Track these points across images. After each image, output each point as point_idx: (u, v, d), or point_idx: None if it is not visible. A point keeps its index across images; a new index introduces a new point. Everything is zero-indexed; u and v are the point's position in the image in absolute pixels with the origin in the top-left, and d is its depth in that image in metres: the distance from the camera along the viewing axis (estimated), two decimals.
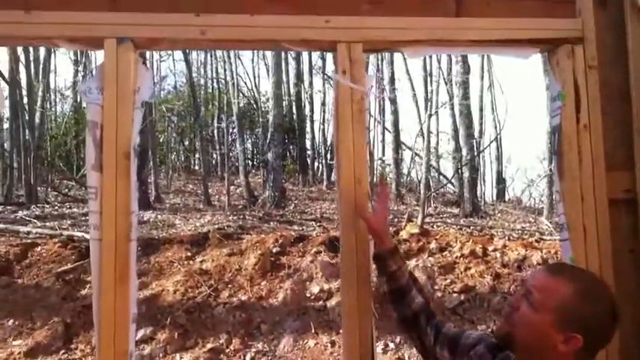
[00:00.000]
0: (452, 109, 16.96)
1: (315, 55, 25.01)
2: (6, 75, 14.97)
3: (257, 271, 8.56)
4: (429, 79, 18.97)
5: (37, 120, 16.77)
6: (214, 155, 25.92)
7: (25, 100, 16.06)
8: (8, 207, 13.72)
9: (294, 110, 24.80)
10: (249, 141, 27.56)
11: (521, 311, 1.64)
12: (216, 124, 23.49)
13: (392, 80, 20.03)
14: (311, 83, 26.01)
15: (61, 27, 2.20)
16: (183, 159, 28.08)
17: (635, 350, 2.29)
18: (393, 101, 20.03)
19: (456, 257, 8.99)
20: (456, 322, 7.34)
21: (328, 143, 22.99)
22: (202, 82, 26.33)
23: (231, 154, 22.80)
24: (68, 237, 9.85)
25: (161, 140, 25.18)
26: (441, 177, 21.52)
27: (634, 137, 2.42)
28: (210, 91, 26.22)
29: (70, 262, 8.70)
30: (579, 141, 2.39)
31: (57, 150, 20.76)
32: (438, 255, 9.13)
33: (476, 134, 19.42)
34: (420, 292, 2.18)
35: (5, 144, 17.97)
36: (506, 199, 22.10)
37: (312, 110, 26.32)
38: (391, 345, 7.08)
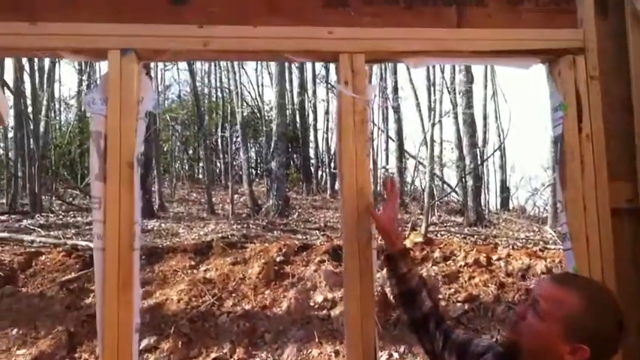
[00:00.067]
0: (455, 117, 16.96)
1: (319, 64, 25.06)
2: (11, 84, 15.05)
3: (261, 280, 8.55)
4: (432, 88, 18.98)
5: (41, 129, 16.81)
6: (218, 164, 25.97)
7: (30, 109, 16.13)
8: (13, 216, 13.76)
9: (298, 119, 24.83)
10: (253, 150, 27.62)
11: (527, 320, 1.64)
12: (220, 133, 23.57)
13: (395, 89, 20.07)
14: (314, 92, 26.08)
15: (66, 38, 2.22)
16: (187, 168, 28.12)
17: None
18: (397, 110, 20.05)
19: (460, 266, 8.97)
20: None
21: (332, 152, 23.05)
22: (206, 91, 26.42)
23: (234, 162, 22.84)
24: (72, 246, 9.86)
25: (165, 149, 25.23)
26: (445, 186, 21.49)
27: (636, 147, 2.42)
28: (214, 100, 26.31)
29: (74, 271, 8.71)
30: (581, 151, 2.39)
31: (61, 159, 20.82)
32: (442, 264, 9.11)
33: (479, 143, 19.44)
34: (430, 295, 2.18)
35: (10, 153, 18.03)
36: (510, 207, 22.07)
37: (315, 119, 26.36)
38: (395, 355, 7.06)
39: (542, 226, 15.10)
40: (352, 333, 2.24)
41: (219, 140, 24.28)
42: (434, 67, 17.93)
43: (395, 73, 19.93)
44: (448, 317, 7.78)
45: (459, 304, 8.02)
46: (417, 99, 20.60)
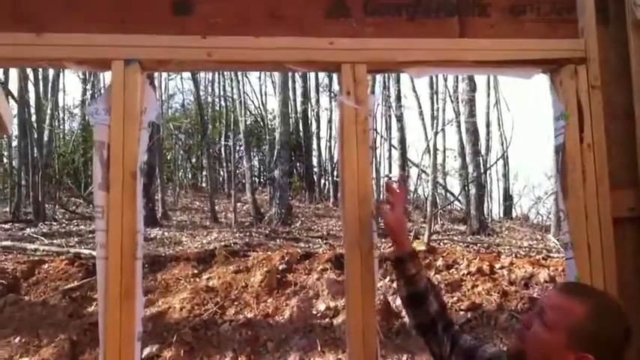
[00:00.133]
0: (458, 126, 16.98)
1: (322, 73, 25.13)
2: (15, 93, 15.10)
3: (263, 288, 8.56)
4: (435, 96, 19.00)
5: (45, 138, 16.86)
6: (221, 172, 26.00)
7: (34, 118, 16.18)
8: (16, 224, 13.79)
9: (301, 127, 24.86)
10: (256, 158, 27.62)
11: (533, 329, 1.64)
12: (223, 142, 23.61)
13: (398, 98, 20.10)
14: (318, 101, 26.09)
15: (70, 49, 2.24)
16: (190, 176, 28.15)
17: None
18: (400, 118, 20.08)
19: (463, 275, 8.97)
20: None
21: (335, 160, 23.03)
22: (210, 100, 26.47)
23: (237, 171, 22.82)
24: (75, 254, 9.88)
25: (168, 158, 25.28)
26: (448, 194, 21.49)
27: (638, 155, 2.42)
28: (217, 109, 26.36)
29: (76, 279, 8.72)
30: (583, 160, 2.40)
31: (65, 168, 20.85)
32: (445, 272, 9.11)
33: (482, 151, 19.43)
34: (437, 298, 2.17)
35: (14, 162, 18.07)
36: (514, 216, 22.04)
37: (318, 127, 26.37)
38: None
39: (545, 235, 15.08)
40: (354, 342, 2.24)
41: (222, 149, 24.32)
42: (437, 76, 17.96)
43: (398, 81, 19.99)
44: None
45: (461, 313, 8.01)
46: (420, 107, 20.66)
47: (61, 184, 19.16)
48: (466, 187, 16.17)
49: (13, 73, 15.33)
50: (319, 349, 7.32)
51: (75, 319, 7.80)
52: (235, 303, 8.27)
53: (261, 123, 26.50)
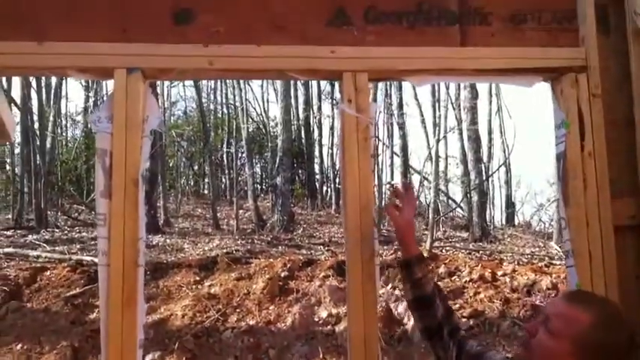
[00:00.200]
0: (460, 133, 16.98)
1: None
2: (18, 100, 15.15)
3: (265, 295, 8.56)
4: (437, 104, 19.03)
5: (47, 145, 16.90)
6: (223, 179, 26.01)
7: (37, 125, 16.22)
8: (18, 231, 13.80)
9: (303, 135, 24.88)
10: (258, 165, 27.66)
11: (538, 337, 1.64)
12: (225, 149, 23.62)
13: (400, 105, 20.13)
14: (320, 108, 26.15)
15: (72, 57, 2.25)
16: (192, 183, 28.18)
17: None
18: (402, 126, 20.10)
19: (465, 282, 8.96)
20: None
21: (337, 167, 23.02)
22: (212, 107, 26.51)
23: (240, 178, 22.85)
24: (77, 261, 9.89)
25: (171, 165, 25.31)
26: (450, 201, 21.48)
27: (639, 164, 2.43)
28: (219, 116, 26.38)
29: (78, 286, 8.73)
30: (584, 168, 2.40)
31: (67, 175, 20.88)
32: (447, 279, 9.10)
33: (484, 158, 19.43)
34: (443, 302, 2.16)
35: (16, 169, 18.10)
36: (516, 223, 22.01)
37: (320, 135, 26.42)
38: None
39: (547, 242, 15.07)
40: (355, 349, 2.24)
41: (224, 156, 24.33)
42: (438, 84, 17.98)
43: (400, 89, 20.01)
44: None
45: (464, 320, 7.99)
46: (422, 115, 20.68)
47: (64, 191, 19.20)
48: (468, 195, 16.16)
49: (16, 80, 15.38)
50: (321, 356, 7.31)
51: (77, 326, 7.81)
52: (237, 310, 8.27)
53: (264, 130, 26.52)
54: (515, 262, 10.85)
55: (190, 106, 28.43)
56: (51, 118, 18.40)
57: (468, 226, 16.25)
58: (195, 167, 28.50)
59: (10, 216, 16.12)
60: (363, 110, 2.35)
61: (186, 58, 2.30)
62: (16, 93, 15.55)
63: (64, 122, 24.21)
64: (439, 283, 8.85)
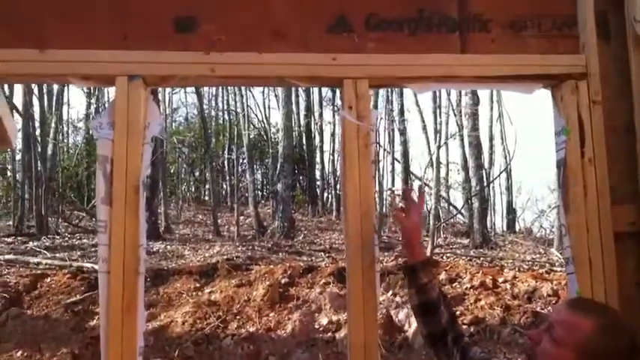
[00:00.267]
0: (461, 139, 17.00)
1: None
2: (20, 107, 15.18)
3: (265, 302, 8.55)
4: (438, 110, 19.04)
5: (49, 151, 16.92)
6: (224, 186, 26.02)
7: (38, 132, 16.24)
8: (19, 238, 13.80)
9: (304, 141, 24.91)
10: (259, 172, 27.67)
11: (542, 345, 1.65)
12: (226, 155, 23.65)
13: (401, 111, 20.15)
14: (321, 114, 26.17)
15: (74, 65, 2.26)
16: (193, 190, 28.18)
17: None
18: (403, 132, 20.12)
19: (466, 288, 8.95)
20: None
21: (338, 174, 23.02)
22: (213, 113, 26.56)
23: (240, 184, 22.87)
24: (77, 268, 9.89)
25: (172, 171, 25.32)
26: (451, 207, 21.46)
27: (639, 170, 2.43)
28: (221, 122, 26.43)
29: (79, 293, 8.72)
30: (584, 175, 2.40)
31: (68, 181, 20.90)
32: (448, 286, 9.09)
33: (485, 165, 19.44)
34: (448, 308, 2.15)
35: (17, 175, 18.11)
36: (517, 229, 21.99)
37: (321, 141, 26.44)
38: None
39: (548, 248, 15.05)
40: (355, 356, 2.24)
41: (225, 162, 24.35)
42: (439, 90, 18.01)
43: (401, 95, 20.03)
44: None
45: (464, 327, 7.98)
46: (423, 121, 20.67)
47: (64, 198, 19.20)
48: (469, 201, 16.16)
49: (18, 87, 15.44)
50: None
51: (77, 333, 7.80)
52: (237, 317, 8.26)
53: (265, 136, 26.56)
54: (516, 269, 10.84)
55: (192, 113, 28.50)
56: (52, 125, 18.42)
57: (469, 232, 16.25)
58: (196, 173, 28.53)
59: (10, 223, 16.12)
60: (364, 117, 2.35)
61: (188, 65, 2.31)
62: (18, 99, 15.62)
63: (65, 129, 24.25)
64: None
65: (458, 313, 8.26)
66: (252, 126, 24.80)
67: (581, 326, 1.59)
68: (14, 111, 14.44)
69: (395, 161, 23.27)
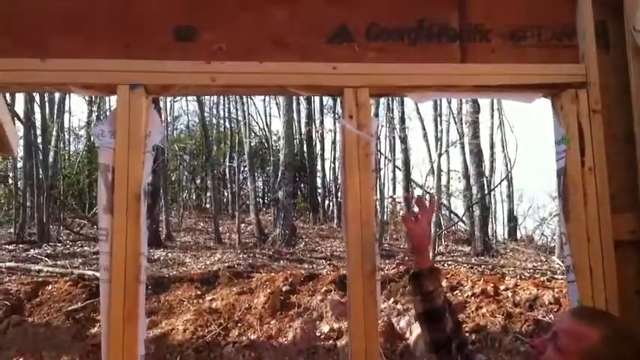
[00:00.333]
0: (462, 147, 17.01)
1: None
2: (21, 115, 15.21)
3: (267, 309, 8.53)
4: (439, 118, 19.07)
5: (50, 159, 16.94)
6: (225, 193, 26.02)
7: (40, 139, 16.26)
8: (20, 245, 13.80)
9: (305, 149, 24.93)
10: (260, 179, 27.68)
11: (547, 354, 1.65)
12: (227, 163, 23.68)
13: (402, 119, 20.17)
14: (322, 122, 26.21)
15: (75, 74, 2.28)
16: (194, 197, 28.18)
17: None
18: (404, 140, 20.13)
19: (467, 296, 8.93)
20: None
21: (339, 181, 23.02)
22: (215, 121, 26.59)
23: (242, 192, 22.88)
24: (79, 275, 9.89)
25: (173, 179, 25.33)
26: (452, 215, 21.45)
27: (639, 179, 2.44)
28: (222, 130, 26.47)
29: (80, 300, 8.71)
30: (584, 183, 2.41)
31: (70, 189, 20.90)
32: (449, 294, 9.06)
33: (487, 172, 19.44)
34: (452, 316, 2.15)
35: (19, 183, 18.13)
36: (518, 237, 21.96)
37: (322, 149, 26.46)
38: None
39: (549, 256, 15.03)
40: None
41: (226, 170, 24.39)
42: (440, 98, 18.04)
43: (402, 103, 20.03)
44: None
45: (465, 335, 7.95)
46: (424, 129, 20.71)
47: (66, 205, 19.21)
48: (470, 209, 16.16)
49: (20, 95, 15.47)
50: None
51: (78, 341, 7.79)
52: (239, 324, 8.25)
53: (266, 144, 26.60)
54: (518, 277, 10.81)
55: (193, 121, 28.56)
56: (54, 133, 18.45)
57: (470, 240, 16.23)
58: (198, 181, 28.53)
59: (12, 230, 16.12)
60: (364, 126, 2.36)
61: (189, 74, 2.32)
62: (20, 107, 15.66)
63: (66, 136, 24.29)
64: None
65: None
66: (253, 134, 24.84)
67: (586, 335, 1.59)
68: (16, 119, 14.45)
69: (396, 169, 23.30)
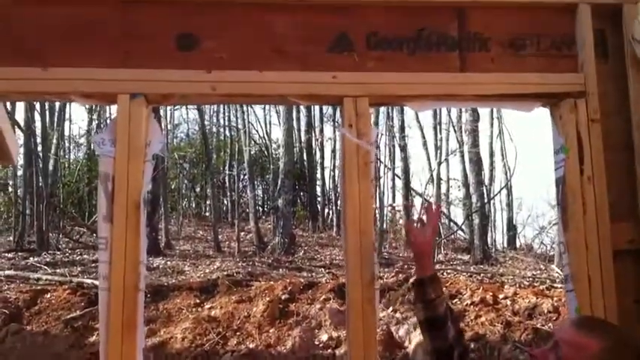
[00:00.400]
0: (462, 156, 17.01)
1: None
2: (21, 123, 15.21)
3: (265, 318, 8.51)
4: (438, 127, 19.09)
5: (50, 167, 16.93)
6: (225, 202, 25.98)
7: (40, 147, 16.26)
8: (20, 253, 13.77)
9: (305, 157, 24.92)
10: (260, 188, 27.62)
11: None
12: (227, 171, 23.66)
13: (402, 128, 20.18)
14: (322, 130, 26.18)
15: (76, 83, 2.29)
16: (194, 205, 28.14)
17: None
18: (403, 148, 20.14)
19: (466, 305, 8.91)
20: None
21: (339, 190, 22.99)
22: (214, 129, 26.60)
23: (241, 200, 22.85)
24: (78, 283, 9.87)
25: (173, 187, 25.30)
26: (452, 223, 21.42)
27: (638, 187, 2.44)
28: (222, 138, 26.45)
29: (78, 308, 8.69)
30: (583, 192, 2.41)
31: (69, 197, 20.87)
32: (448, 302, 9.05)
33: (486, 181, 19.43)
34: (455, 324, 2.15)
35: (18, 191, 18.11)
36: (517, 246, 21.91)
37: (322, 157, 26.43)
38: None
39: (549, 265, 14.99)
40: None
41: (226, 178, 24.36)
42: (439, 108, 18.07)
43: (402, 112, 20.01)
44: None
45: (467, 343, 7.93)
46: (423, 137, 20.71)
47: (65, 213, 19.18)
48: (470, 217, 16.14)
49: (20, 103, 15.47)
50: None
51: (76, 349, 7.77)
52: (237, 333, 8.23)
53: (266, 152, 26.59)
54: (517, 285, 10.79)
55: (193, 129, 28.48)
56: (54, 141, 18.44)
57: (470, 248, 16.20)
58: (197, 189, 28.49)
59: (11, 238, 16.08)
60: (364, 135, 2.37)
61: (189, 83, 2.33)
62: (20, 116, 15.66)
63: (67, 145, 24.28)
64: None
65: None
66: (253, 142, 24.82)
67: (586, 345, 1.59)
68: (16, 127, 14.46)
69: (395, 177, 23.29)
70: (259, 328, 8.30)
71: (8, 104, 15.02)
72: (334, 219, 22.15)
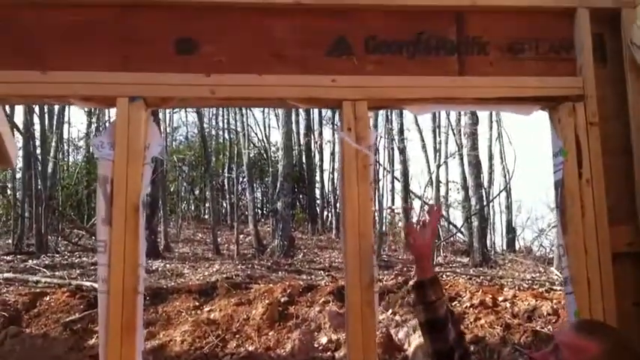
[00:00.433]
0: (461, 159, 17.02)
1: None
2: (20, 126, 15.21)
3: (265, 321, 8.51)
4: (437, 129, 19.10)
5: (49, 170, 16.92)
6: (224, 204, 25.98)
7: (39, 150, 16.25)
8: (18, 256, 13.76)
9: (304, 160, 24.93)
10: (259, 190, 27.64)
11: None
12: (226, 174, 23.67)
13: (401, 130, 20.20)
14: (321, 133, 26.20)
15: (75, 86, 2.29)
16: (193, 208, 28.13)
17: None
18: (402, 151, 20.16)
19: (466, 307, 8.92)
20: None
21: (338, 192, 22.98)
22: (214, 132, 26.61)
23: (240, 203, 22.86)
24: (77, 286, 9.86)
25: (172, 189, 25.30)
26: (451, 226, 21.42)
27: (636, 191, 2.45)
28: (221, 141, 26.47)
29: (77, 311, 8.69)
30: (582, 196, 2.42)
31: (68, 200, 20.87)
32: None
33: (485, 184, 19.44)
34: (455, 326, 2.15)
35: (17, 193, 18.10)
36: (517, 248, 21.91)
37: (321, 159, 26.46)
38: None
39: (548, 267, 14.99)
40: None
41: (225, 181, 24.39)
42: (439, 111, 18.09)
43: (401, 115, 20.02)
44: None
45: (468, 345, 7.92)
46: (422, 140, 20.73)
47: (64, 216, 19.17)
48: (469, 220, 16.15)
49: (19, 106, 15.47)
50: None
51: (76, 352, 7.76)
52: (237, 336, 8.23)
53: (265, 155, 26.60)
54: (516, 288, 10.79)
55: (192, 132, 28.50)
56: (53, 144, 18.44)
57: (469, 251, 16.21)
58: (196, 192, 28.50)
59: (10, 241, 16.07)
60: (363, 138, 2.37)
61: (189, 87, 2.34)
62: (19, 119, 15.65)
63: (65, 147, 24.27)
64: None
65: None
66: (252, 145, 24.84)
67: (587, 348, 1.59)
68: (15, 130, 14.46)
69: (395, 180, 23.29)
70: (259, 330, 8.30)
71: (7, 107, 15.06)
72: (333, 221, 22.16)
